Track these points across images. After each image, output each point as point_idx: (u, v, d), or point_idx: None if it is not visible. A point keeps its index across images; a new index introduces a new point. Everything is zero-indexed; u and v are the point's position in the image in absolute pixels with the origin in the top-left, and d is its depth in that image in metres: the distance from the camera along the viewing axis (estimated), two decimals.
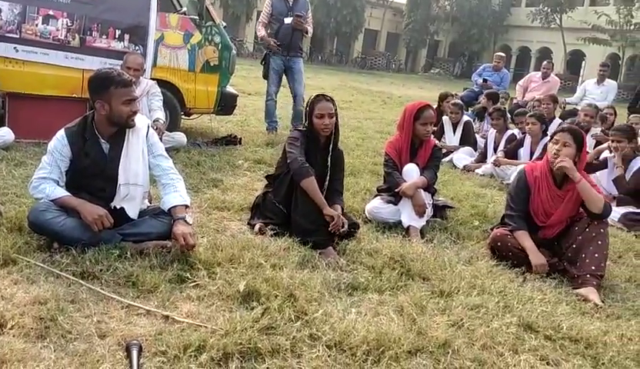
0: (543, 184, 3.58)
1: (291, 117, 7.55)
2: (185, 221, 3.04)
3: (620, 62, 32.12)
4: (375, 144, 7.28)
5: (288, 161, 3.56)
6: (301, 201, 3.47)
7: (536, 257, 3.43)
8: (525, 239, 3.51)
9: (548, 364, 2.44)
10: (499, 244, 3.55)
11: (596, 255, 3.32)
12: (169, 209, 3.10)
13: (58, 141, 3.03)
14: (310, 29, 7.33)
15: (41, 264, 2.74)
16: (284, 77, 7.41)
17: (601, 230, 3.40)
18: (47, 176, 3.00)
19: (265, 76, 7.40)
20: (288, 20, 7.05)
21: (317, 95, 3.70)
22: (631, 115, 8.02)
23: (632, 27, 29.29)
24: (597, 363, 2.46)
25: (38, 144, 4.86)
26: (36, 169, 3.10)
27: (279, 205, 3.61)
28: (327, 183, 3.70)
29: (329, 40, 38.86)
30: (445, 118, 7.48)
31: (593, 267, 3.27)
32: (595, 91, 9.22)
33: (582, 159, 3.55)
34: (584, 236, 3.41)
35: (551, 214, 3.55)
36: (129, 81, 3.04)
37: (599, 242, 3.36)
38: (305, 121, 3.69)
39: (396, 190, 4.02)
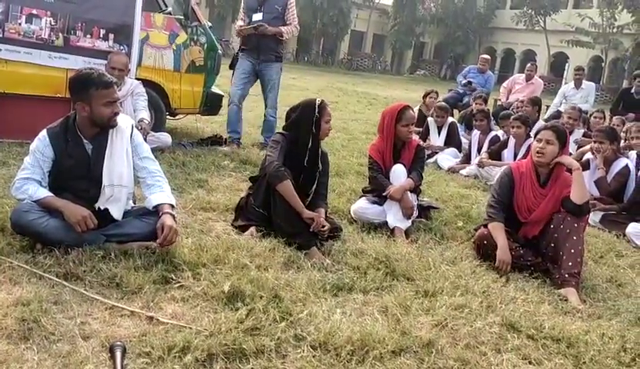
0: (527, 181, 3.64)
1: (261, 128, 6.69)
2: (173, 217, 3.03)
3: (603, 65, 32.50)
4: (361, 145, 7.29)
5: (265, 165, 3.57)
6: (279, 204, 3.47)
7: (504, 253, 3.46)
8: (499, 233, 3.54)
9: (530, 363, 2.47)
10: (485, 242, 3.58)
11: (572, 251, 3.37)
12: (155, 206, 3.09)
13: (40, 142, 3.01)
14: (287, 29, 6.22)
15: (24, 265, 2.71)
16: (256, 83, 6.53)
17: (575, 225, 3.45)
18: (29, 177, 2.97)
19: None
20: (257, 16, 6.11)
21: (322, 101, 3.72)
22: (614, 117, 8.13)
23: (615, 29, 29.63)
24: (578, 362, 2.49)
25: (21, 144, 4.81)
26: (19, 170, 3.07)
27: (259, 209, 3.61)
28: (315, 186, 3.72)
29: (315, 41, 38.87)
30: (430, 120, 7.55)
31: (570, 264, 3.32)
32: (575, 96, 9.31)
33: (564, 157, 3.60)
34: (559, 234, 3.47)
35: (534, 210, 3.61)
36: (110, 82, 3.01)
37: (574, 238, 3.41)
38: (312, 125, 3.65)
39: (384, 194, 4.04)
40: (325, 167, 3.81)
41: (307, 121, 3.66)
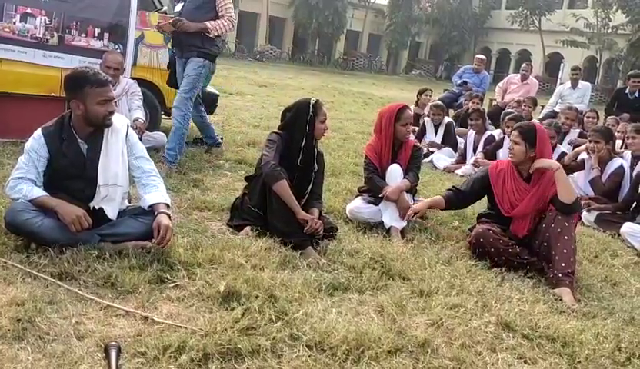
0: (509, 177, 3.71)
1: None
2: (168, 216, 3.03)
3: (597, 65, 32.61)
4: (357, 145, 7.30)
5: (261, 165, 3.57)
6: (275, 204, 3.47)
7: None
8: (432, 200, 4.00)
9: (525, 362, 2.48)
10: (481, 239, 3.58)
11: (565, 251, 3.38)
12: (150, 205, 3.08)
13: (35, 141, 3.00)
14: (215, 25, 4.97)
15: (19, 265, 2.70)
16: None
17: (566, 223, 3.46)
18: (24, 176, 2.96)
19: (171, 83, 5.55)
20: (179, 6, 5.18)
21: (317, 100, 3.71)
22: (609, 117, 8.16)
23: (609, 30, 29.75)
24: (573, 361, 2.50)
25: (16, 143, 4.79)
26: (13, 169, 3.06)
27: (255, 209, 3.61)
28: (310, 186, 3.72)
29: (311, 40, 38.81)
30: (426, 119, 7.58)
31: (563, 264, 3.33)
32: (571, 96, 9.33)
33: (538, 154, 3.63)
34: (551, 233, 3.48)
35: (517, 205, 3.65)
36: (105, 80, 3.00)
37: (566, 237, 3.42)
38: (306, 125, 3.64)
39: (380, 195, 4.03)
40: (320, 167, 3.81)
41: (301, 120, 3.65)
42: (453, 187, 3.99)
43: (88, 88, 2.93)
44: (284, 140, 3.65)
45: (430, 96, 8.56)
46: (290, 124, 3.70)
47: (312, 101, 3.68)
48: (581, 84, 9.52)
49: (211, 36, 5.00)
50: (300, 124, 3.65)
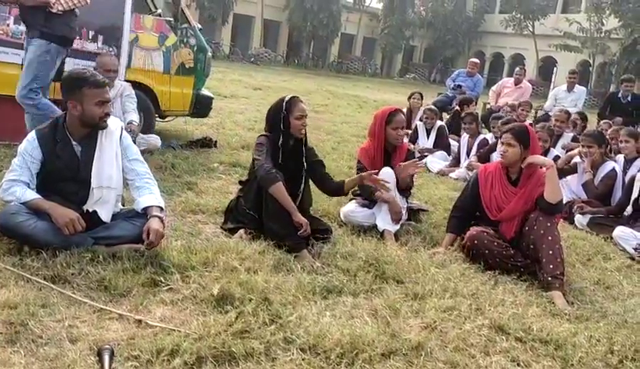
0: (496, 180, 3.72)
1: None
2: (161, 220, 3.02)
3: (590, 69, 32.77)
4: (351, 148, 7.31)
5: (255, 168, 3.57)
6: (270, 206, 3.47)
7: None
8: (445, 240, 3.85)
9: (518, 365, 2.48)
10: (476, 242, 3.58)
11: (550, 252, 3.39)
12: (144, 208, 3.08)
13: (29, 143, 2.99)
14: None
15: (12, 268, 2.69)
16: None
17: (548, 224, 3.47)
18: (17, 178, 2.95)
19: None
20: None
21: (292, 97, 3.71)
22: (602, 121, 8.19)
23: (602, 34, 29.91)
24: (566, 363, 2.51)
25: (9, 145, 4.78)
26: (6, 171, 3.05)
27: (250, 211, 3.61)
28: (303, 184, 3.73)
29: (306, 43, 38.86)
30: (419, 123, 7.61)
31: (551, 266, 3.34)
32: (566, 99, 9.38)
33: (531, 153, 3.64)
34: (535, 235, 3.49)
35: (504, 208, 3.67)
36: (102, 81, 3.02)
37: (549, 238, 3.43)
38: (280, 123, 3.65)
39: (377, 194, 4.02)
40: (314, 158, 3.85)
41: (276, 119, 3.67)
42: (453, 209, 3.97)
43: (86, 89, 2.94)
44: (271, 141, 3.66)
45: (418, 99, 8.55)
46: (269, 124, 3.72)
47: (286, 99, 3.69)
48: (577, 87, 9.58)
49: (55, 12, 4.25)
50: (276, 123, 3.66)
